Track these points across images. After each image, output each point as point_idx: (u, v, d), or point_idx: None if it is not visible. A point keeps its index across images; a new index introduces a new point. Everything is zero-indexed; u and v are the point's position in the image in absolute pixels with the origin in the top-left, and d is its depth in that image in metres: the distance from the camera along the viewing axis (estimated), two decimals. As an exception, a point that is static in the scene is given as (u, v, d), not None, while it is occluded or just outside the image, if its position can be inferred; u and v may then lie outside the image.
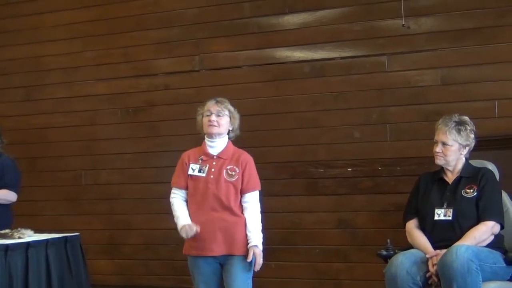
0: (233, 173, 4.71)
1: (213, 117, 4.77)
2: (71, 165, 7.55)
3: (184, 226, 4.70)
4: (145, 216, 7.17)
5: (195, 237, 4.70)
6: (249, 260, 4.63)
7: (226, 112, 4.80)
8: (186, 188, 4.82)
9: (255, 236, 4.68)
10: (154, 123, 7.21)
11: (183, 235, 4.70)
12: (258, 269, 4.69)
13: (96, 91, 7.47)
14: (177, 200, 4.85)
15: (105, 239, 7.36)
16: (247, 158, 4.80)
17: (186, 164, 4.83)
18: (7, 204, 6.24)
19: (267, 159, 6.53)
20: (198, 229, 4.64)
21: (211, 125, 4.76)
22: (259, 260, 4.66)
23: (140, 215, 7.22)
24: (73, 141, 7.55)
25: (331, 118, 6.53)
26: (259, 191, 4.83)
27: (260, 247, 4.69)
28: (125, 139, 7.32)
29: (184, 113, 6.83)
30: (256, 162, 4.88)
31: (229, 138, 4.87)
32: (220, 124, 4.77)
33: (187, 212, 4.79)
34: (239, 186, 4.72)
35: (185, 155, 4.88)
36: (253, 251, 4.65)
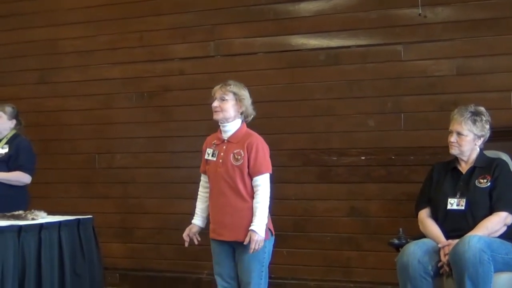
0: (238, 157, 4.67)
1: (216, 103, 4.73)
2: (85, 148, 7.58)
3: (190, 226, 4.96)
4: (158, 201, 7.20)
5: (212, 221, 4.79)
6: (245, 243, 4.58)
7: (230, 96, 4.72)
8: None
9: (256, 221, 4.60)
10: (168, 108, 7.22)
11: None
12: (250, 253, 4.62)
13: (111, 75, 7.49)
14: (200, 190, 4.96)
15: (118, 222, 7.39)
16: (254, 141, 4.70)
17: (204, 150, 4.86)
18: (23, 185, 6.28)
19: (281, 146, 6.52)
20: (195, 239, 4.94)
21: (214, 111, 4.74)
22: (253, 246, 4.57)
23: (153, 199, 7.24)
24: (87, 124, 7.57)
25: (346, 106, 6.52)
26: (270, 175, 4.75)
27: (261, 232, 4.59)
28: (140, 123, 7.34)
29: (199, 99, 6.83)
30: (269, 149, 4.83)
31: (243, 121, 4.81)
32: (224, 109, 4.71)
33: (203, 207, 4.92)
34: (246, 170, 4.66)
35: (205, 141, 4.91)
36: (250, 235, 4.58)
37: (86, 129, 7.57)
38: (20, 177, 6.25)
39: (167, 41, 7.25)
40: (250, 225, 4.61)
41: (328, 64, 6.61)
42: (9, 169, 6.24)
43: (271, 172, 4.74)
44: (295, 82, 6.71)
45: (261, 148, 4.72)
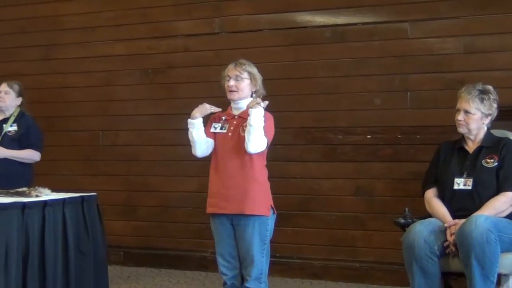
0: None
1: (232, 82, 4.72)
2: (89, 126, 7.56)
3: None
4: (162, 178, 7.18)
5: (212, 195, 4.74)
6: (250, 106, 4.57)
7: (245, 75, 4.73)
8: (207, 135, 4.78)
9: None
10: (172, 85, 7.19)
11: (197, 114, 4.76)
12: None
13: (114, 52, 7.46)
14: None
15: (122, 200, 7.38)
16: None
17: (210, 121, 4.84)
18: (30, 163, 6.30)
19: (286, 124, 6.47)
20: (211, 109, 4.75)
21: (230, 91, 4.74)
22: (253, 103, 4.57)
23: (157, 177, 7.22)
24: (90, 101, 7.56)
25: (352, 84, 6.49)
26: (268, 146, 4.68)
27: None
28: (144, 101, 7.32)
29: (203, 76, 6.81)
30: (274, 127, 4.79)
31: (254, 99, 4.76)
32: (239, 89, 4.72)
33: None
34: None
35: (214, 115, 4.87)
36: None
37: (90, 106, 7.55)
38: (31, 155, 6.33)
39: (171, 18, 7.21)
40: (254, 198, 4.61)
41: (334, 41, 6.57)
42: (21, 147, 6.29)
43: (270, 140, 4.69)
44: (301, 59, 6.68)
45: (269, 118, 4.70)
